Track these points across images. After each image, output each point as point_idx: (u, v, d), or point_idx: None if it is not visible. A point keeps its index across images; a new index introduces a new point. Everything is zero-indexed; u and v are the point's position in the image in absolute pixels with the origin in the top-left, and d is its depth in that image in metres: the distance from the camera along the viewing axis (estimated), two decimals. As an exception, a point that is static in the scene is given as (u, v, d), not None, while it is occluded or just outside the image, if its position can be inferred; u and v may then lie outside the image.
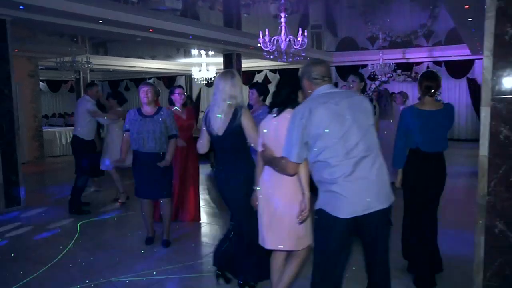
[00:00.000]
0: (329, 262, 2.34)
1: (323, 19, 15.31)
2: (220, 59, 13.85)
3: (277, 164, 2.52)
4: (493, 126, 2.65)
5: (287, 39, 6.91)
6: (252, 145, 3.08)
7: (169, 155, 4.27)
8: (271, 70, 16.15)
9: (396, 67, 12.69)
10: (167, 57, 16.48)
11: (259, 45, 7.31)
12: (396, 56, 13.80)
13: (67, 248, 4.38)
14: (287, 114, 2.56)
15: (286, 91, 2.72)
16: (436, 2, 13.19)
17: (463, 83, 13.85)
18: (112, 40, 14.20)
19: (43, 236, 4.85)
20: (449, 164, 3.43)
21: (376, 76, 13.54)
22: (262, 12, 13.74)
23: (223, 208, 5.35)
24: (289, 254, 2.85)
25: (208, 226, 5.16)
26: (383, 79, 13.50)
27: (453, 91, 14.01)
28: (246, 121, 3.06)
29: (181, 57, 15.96)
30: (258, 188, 2.85)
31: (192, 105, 9.94)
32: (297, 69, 7.93)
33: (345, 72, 15.48)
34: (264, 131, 2.75)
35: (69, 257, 4.15)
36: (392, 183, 2.64)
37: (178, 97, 5.09)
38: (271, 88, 3.22)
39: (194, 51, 12.42)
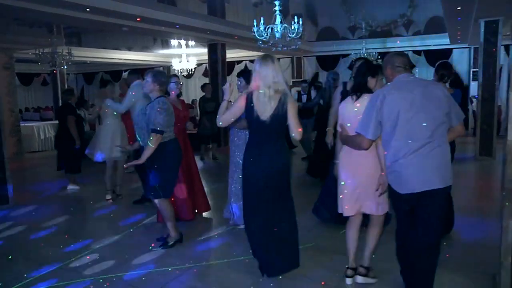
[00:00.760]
0: (401, 223, 2.81)
1: (303, 8, 15.24)
2: (200, 50, 13.62)
3: (353, 141, 2.87)
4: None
5: (282, 28, 6.80)
6: (293, 134, 3.13)
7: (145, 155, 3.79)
8: (250, 61, 16.04)
9: (379, 56, 12.80)
10: (144, 48, 15.97)
11: (252, 34, 7.16)
12: (376, 45, 13.94)
13: (69, 247, 4.20)
14: (366, 97, 2.89)
15: (361, 79, 3.05)
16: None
17: (442, 71, 14.10)
18: (86, 31, 13.60)
19: (40, 235, 4.63)
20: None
21: (358, 66, 13.55)
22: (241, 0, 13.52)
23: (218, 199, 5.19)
24: (366, 224, 3.19)
25: (210, 220, 5.07)
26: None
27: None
28: (292, 110, 3.12)
29: (159, 48, 15.55)
30: (337, 162, 3.21)
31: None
32: (278, 59, 7.83)
33: (326, 61, 15.58)
34: (344, 113, 3.06)
35: (73, 255, 3.97)
36: None
37: (174, 86, 4.88)
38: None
39: (174, 42, 11.98)
